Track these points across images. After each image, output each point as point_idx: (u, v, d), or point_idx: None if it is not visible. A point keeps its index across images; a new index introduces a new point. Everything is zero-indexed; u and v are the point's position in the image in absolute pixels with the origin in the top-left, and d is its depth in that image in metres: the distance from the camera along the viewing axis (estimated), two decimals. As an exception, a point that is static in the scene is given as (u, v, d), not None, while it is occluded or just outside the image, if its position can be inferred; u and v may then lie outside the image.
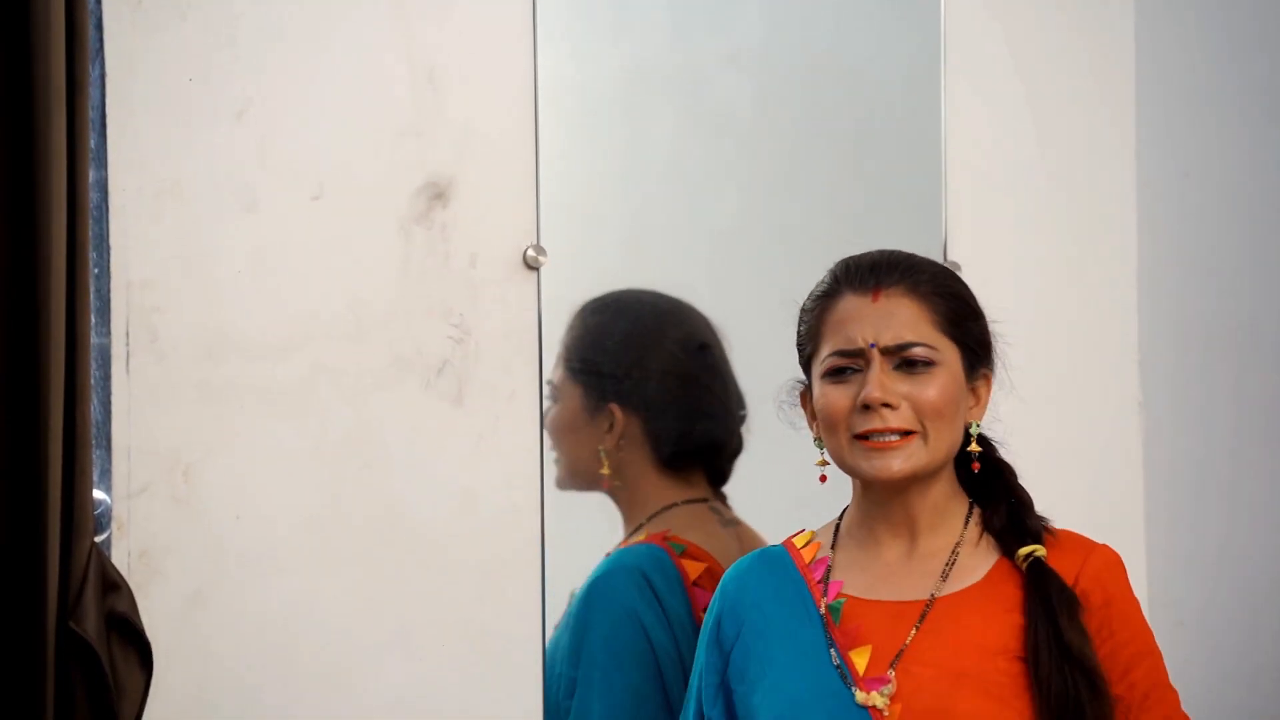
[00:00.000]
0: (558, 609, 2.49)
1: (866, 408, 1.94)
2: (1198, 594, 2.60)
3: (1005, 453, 2.07)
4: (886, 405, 1.94)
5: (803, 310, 2.05)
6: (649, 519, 2.57)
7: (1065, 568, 1.95)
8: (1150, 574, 2.68)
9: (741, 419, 2.63)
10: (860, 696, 1.91)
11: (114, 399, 2.20)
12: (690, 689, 2.09)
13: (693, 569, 2.50)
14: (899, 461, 1.95)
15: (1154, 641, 1.95)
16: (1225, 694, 2.52)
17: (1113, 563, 1.98)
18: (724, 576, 2.11)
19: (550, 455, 2.57)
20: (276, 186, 2.28)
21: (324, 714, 2.28)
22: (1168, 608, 2.63)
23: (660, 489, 2.58)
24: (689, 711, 2.08)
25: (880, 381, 1.94)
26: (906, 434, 1.95)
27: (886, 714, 1.90)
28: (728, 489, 2.62)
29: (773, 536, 2.23)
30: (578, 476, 2.58)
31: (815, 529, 2.11)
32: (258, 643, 2.26)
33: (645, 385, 2.60)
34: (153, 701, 2.10)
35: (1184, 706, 1.97)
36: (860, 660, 1.93)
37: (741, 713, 2.00)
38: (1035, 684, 1.88)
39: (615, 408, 2.58)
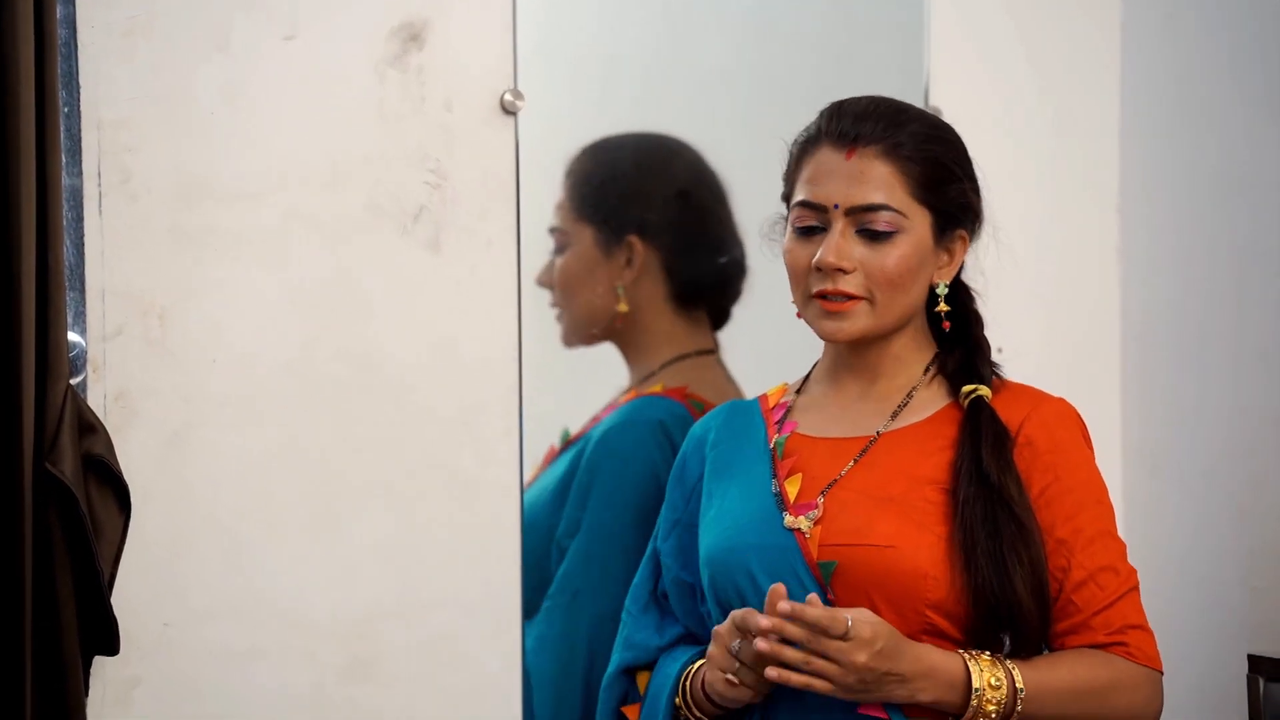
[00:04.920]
0: (535, 456, 2.48)
1: (821, 269, 1.96)
2: (1173, 438, 2.62)
3: (983, 303, 2.07)
4: (840, 270, 1.95)
5: (791, 145, 2.04)
6: (661, 367, 2.56)
7: (1011, 413, 1.97)
8: (1125, 418, 2.69)
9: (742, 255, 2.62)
10: (788, 520, 1.97)
11: (87, 241, 2.18)
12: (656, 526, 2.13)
13: None
14: (847, 324, 1.98)
15: (1104, 494, 1.97)
16: (1198, 534, 2.55)
17: (1064, 414, 1.99)
18: (696, 423, 2.14)
19: (554, 311, 2.56)
20: (248, 25, 2.25)
21: (302, 558, 2.29)
22: (1142, 452, 2.65)
23: (672, 332, 2.58)
24: (650, 547, 2.12)
25: (837, 246, 1.96)
26: (856, 298, 1.96)
27: (809, 535, 1.94)
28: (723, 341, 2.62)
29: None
30: (591, 322, 2.56)
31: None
32: (235, 486, 2.26)
33: (663, 215, 2.58)
34: (131, 543, 2.11)
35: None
36: (792, 488, 1.99)
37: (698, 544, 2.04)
38: (954, 511, 1.91)
39: (635, 239, 2.56)
